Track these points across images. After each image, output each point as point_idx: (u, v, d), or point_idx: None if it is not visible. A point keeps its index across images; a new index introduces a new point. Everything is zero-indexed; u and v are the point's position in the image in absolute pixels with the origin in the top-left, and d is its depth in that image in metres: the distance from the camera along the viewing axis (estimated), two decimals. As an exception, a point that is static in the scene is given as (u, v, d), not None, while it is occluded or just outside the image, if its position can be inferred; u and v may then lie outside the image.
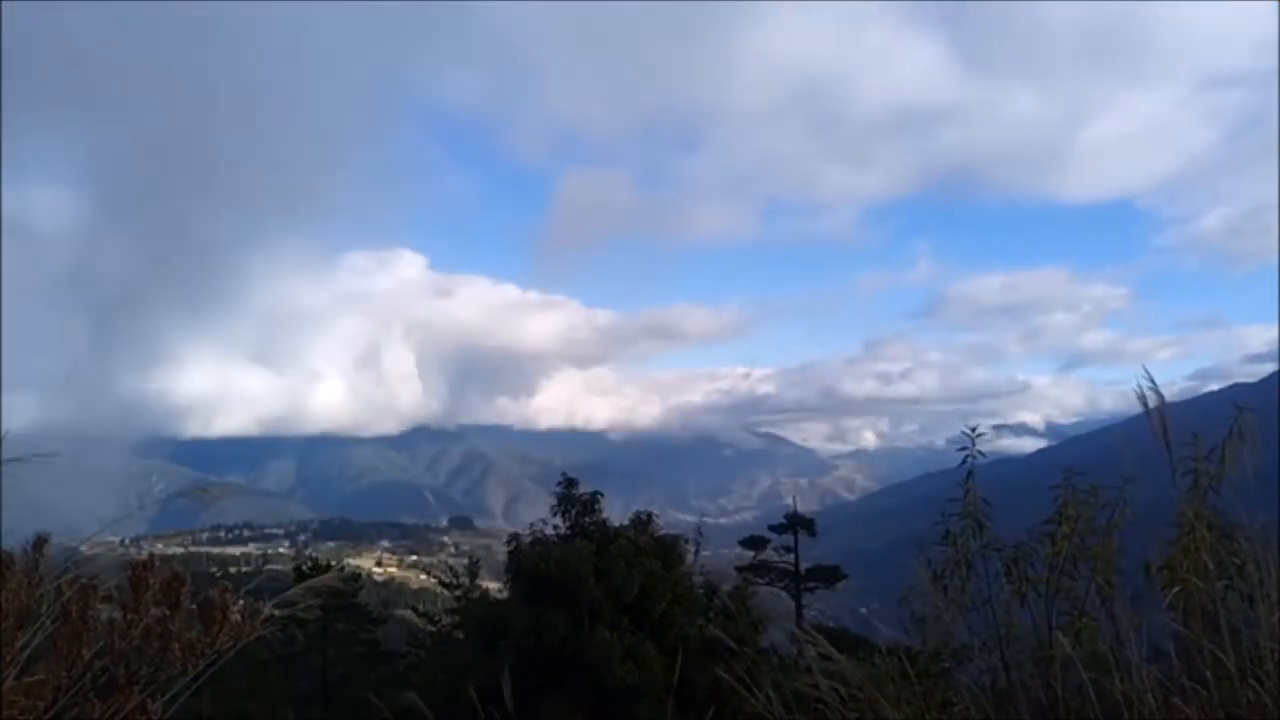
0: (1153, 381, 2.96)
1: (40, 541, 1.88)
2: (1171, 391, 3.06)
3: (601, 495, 13.64)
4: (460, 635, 16.87)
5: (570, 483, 13.43)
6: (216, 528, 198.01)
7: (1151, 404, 3.00)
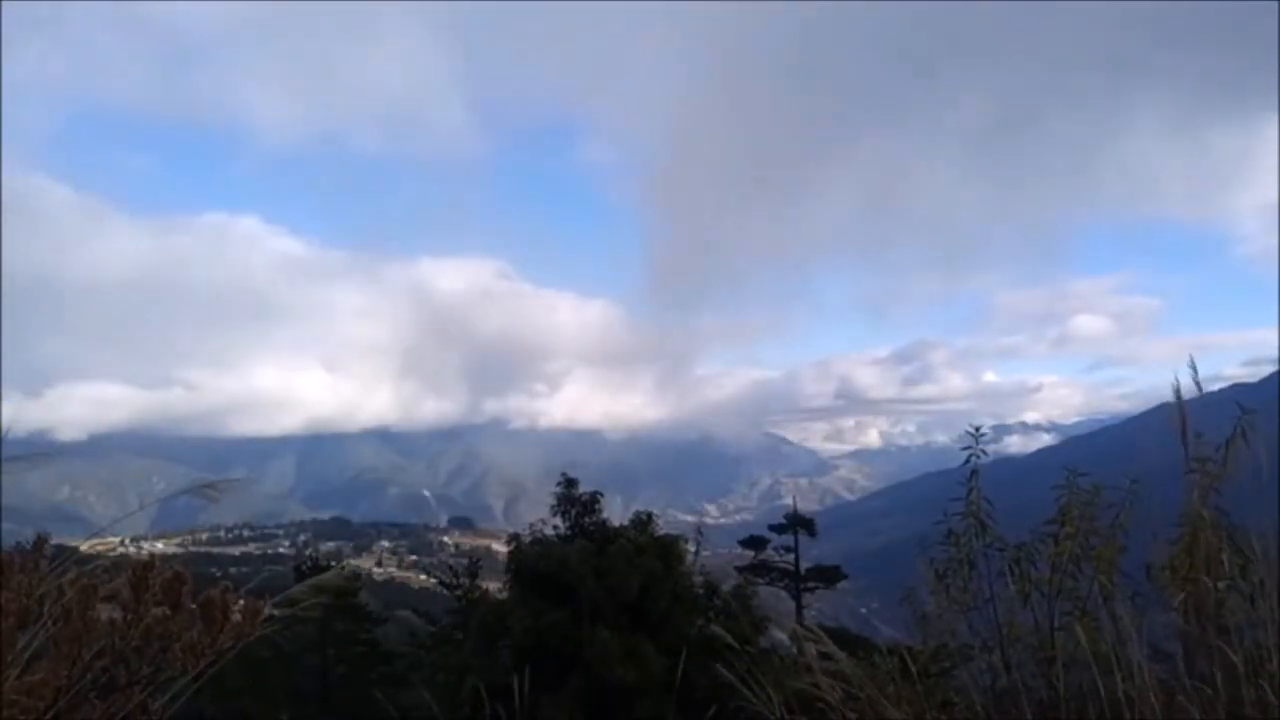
0: (1195, 372, 2.94)
1: (41, 541, 1.87)
2: (1170, 392, 3.06)
3: (602, 495, 13.66)
4: (460, 635, 16.87)
5: (570, 483, 13.45)
6: (216, 528, 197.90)
7: (1163, 405, 3.00)
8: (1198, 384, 3.03)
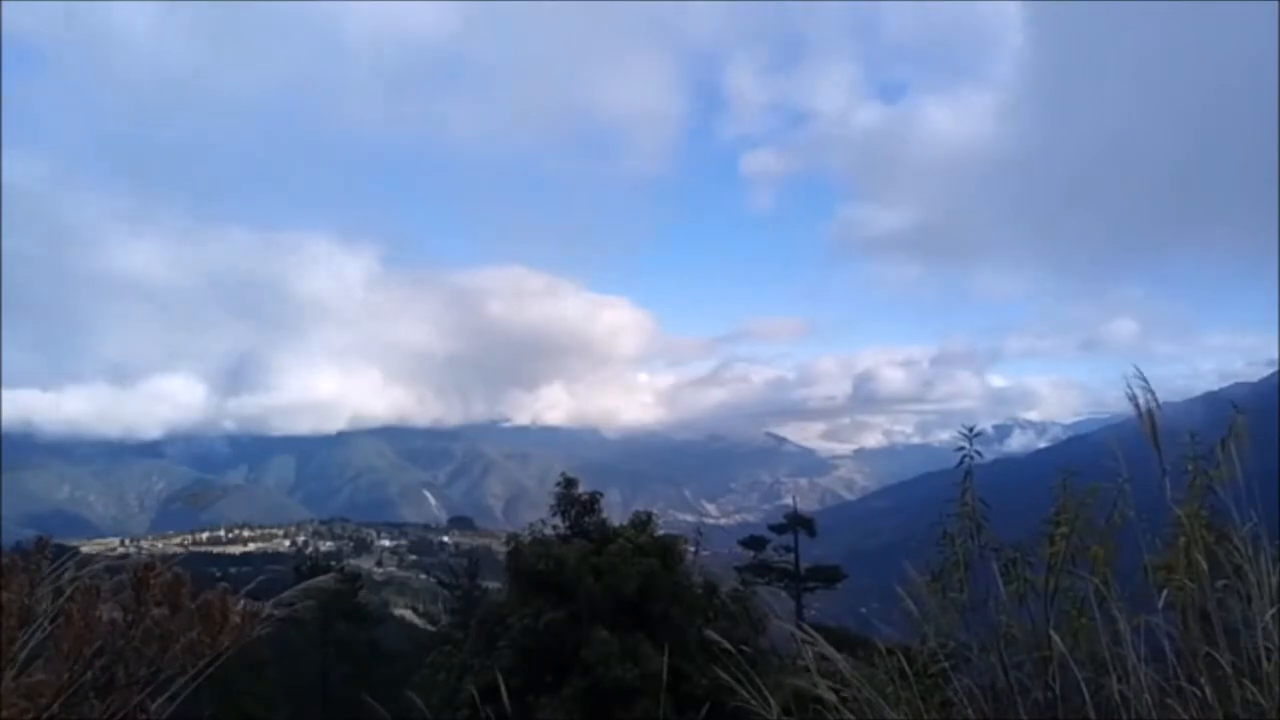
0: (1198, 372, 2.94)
1: (43, 543, 1.88)
2: (1169, 390, 3.07)
3: (601, 495, 13.69)
4: (460, 635, 16.88)
5: (569, 483, 13.47)
6: (216, 527, 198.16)
7: (1143, 404, 3.01)
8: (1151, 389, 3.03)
